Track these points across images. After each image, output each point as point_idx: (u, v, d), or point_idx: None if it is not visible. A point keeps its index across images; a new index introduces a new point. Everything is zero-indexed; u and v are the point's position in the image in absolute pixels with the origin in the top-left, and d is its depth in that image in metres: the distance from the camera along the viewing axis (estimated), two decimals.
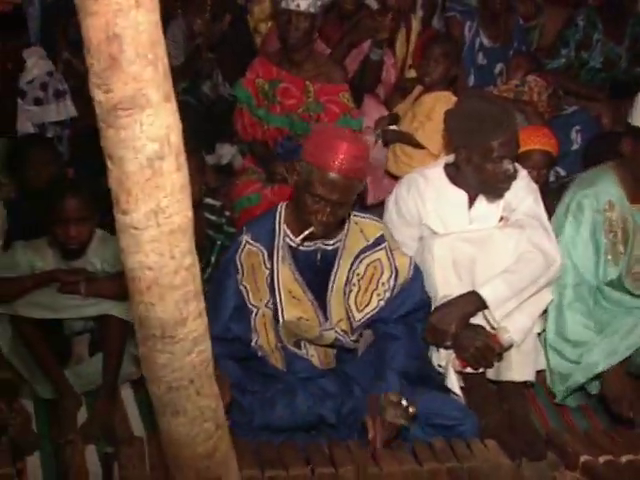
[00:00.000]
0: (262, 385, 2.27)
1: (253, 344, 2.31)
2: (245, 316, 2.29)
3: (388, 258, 2.36)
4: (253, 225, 2.35)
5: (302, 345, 2.37)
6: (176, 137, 0.92)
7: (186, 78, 3.82)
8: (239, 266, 2.28)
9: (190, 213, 0.97)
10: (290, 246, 2.31)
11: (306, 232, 2.18)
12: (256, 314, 2.30)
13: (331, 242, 2.32)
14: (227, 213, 2.99)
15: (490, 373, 2.55)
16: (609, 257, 2.65)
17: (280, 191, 3.08)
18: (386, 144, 3.48)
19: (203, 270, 2.86)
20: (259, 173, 3.25)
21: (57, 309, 2.47)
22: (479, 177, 2.54)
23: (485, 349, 2.37)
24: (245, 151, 3.52)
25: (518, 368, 2.56)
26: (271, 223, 2.32)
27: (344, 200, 2.16)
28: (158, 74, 0.88)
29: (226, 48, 3.76)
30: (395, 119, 3.56)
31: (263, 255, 2.29)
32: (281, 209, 2.35)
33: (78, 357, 2.64)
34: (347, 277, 2.34)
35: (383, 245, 2.37)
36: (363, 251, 2.35)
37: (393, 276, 2.36)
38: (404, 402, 2.15)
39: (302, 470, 2.03)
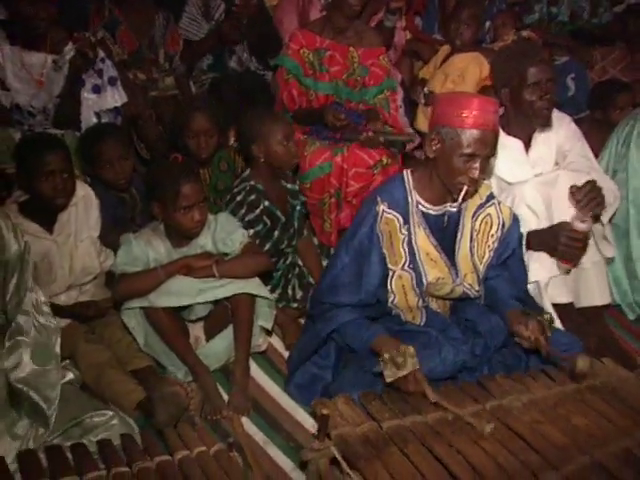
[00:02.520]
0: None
1: (389, 304, 2.36)
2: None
3: (497, 212, 2.43)
4: (386, 195, 2.33)
5: (428, 300, 2.48)
6: None
7: (206, 53, 3.78)
8: (379, 234, 2.30)
9: None
10: (422, 212, 2.34)
11: (462, 193, 2.21)
12: (392, 276, 2.33)
13: (455, 204, 2.36)
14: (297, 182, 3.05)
15: (576, 302, 2.80)
16: None
17: (349, 156, 3.13)
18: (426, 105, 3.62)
19: (292, 235, 2.92)
20: (321, 141, 3.25)
21: (193, 294, 2.42)
22: (524, 110, 2.71)
23: (570, 240, 2.51)
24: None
25: (598, 293, 2.80)
26: (402, 191, 2.33)
27: (492, 152, 2.21)
28: None
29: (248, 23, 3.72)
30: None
31: (399, 221, 2.30)
32: (408, 177, 2.35)
33: (196, 341, 2.62)
34: (470, 234, 2.40)
35: (493, 201, 2.44)
36: (478, 208, 2.42)
37: (500, 227, 2.44)
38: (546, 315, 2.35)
39: (474, 407, 2.20)
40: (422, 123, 3.63)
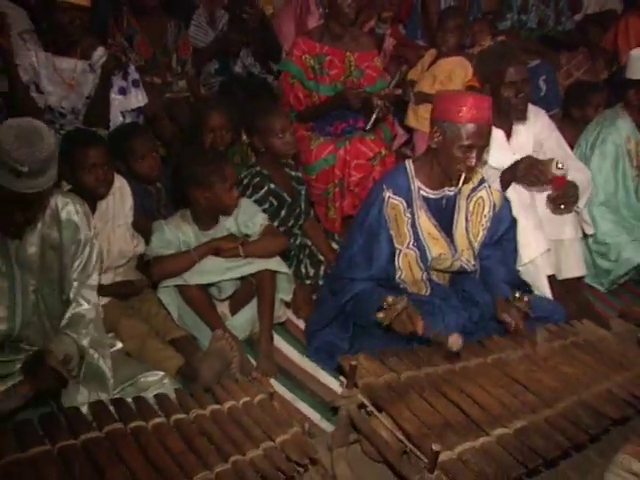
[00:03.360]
0: None
1: (397, 279, 2.65)
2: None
3: (488, 195, 2.74)
4: (390, 182, 2.61)
5: (431, 274, 2.77)
6: None
7: (212, 59, 4.05)
8: (386, 218, 2.58)
9: None
10: (423, 196, 2.63)
11: (461, 179, 2.51)
12: (399, 254, 2.62)
13: (452, 189, 2.67)
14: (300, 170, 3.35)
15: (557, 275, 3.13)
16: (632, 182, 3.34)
17: (351, 149, 3.44)
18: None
19: (299, 215, 3.21)
20: (324, 136, 3.54)
21: (221, 272, 2.70)
22: (503, 105, 3.02)
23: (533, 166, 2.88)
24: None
25: (576, 266, 3.17)
26: (405, 179, 2.61)
27: (486, 143, 2.51)
28: None
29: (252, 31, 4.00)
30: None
31: (403, 206, 2.59)
32: (410, 166, 2.64)
33: (223, 317, 2.85)
34: (465, 215, 2.70)
35: (484, 184, 2.74)
36: (472, 192, 2.71)
37: (492, 208, 2.74)
38: (525, 298, 2.67)
39: (477, 360, 2.51)
40: (412, 120, 3.95)
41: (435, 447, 1.86)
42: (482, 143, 2.50)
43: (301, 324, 3.00)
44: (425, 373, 2.35)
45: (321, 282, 3.13)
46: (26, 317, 2.24)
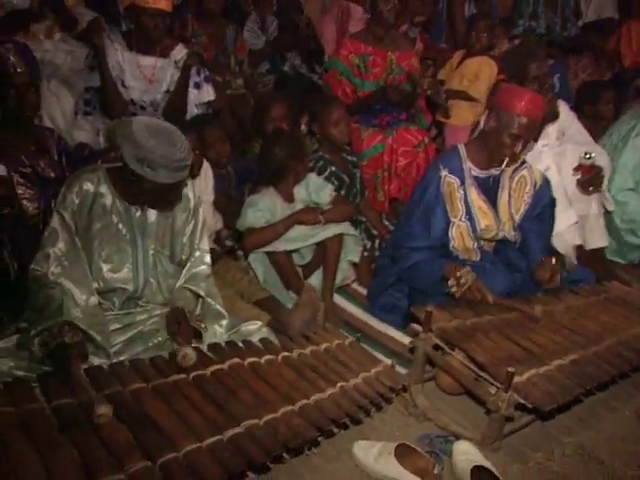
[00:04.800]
0: None
1: (451, 247, 2.96)
2: None
3: (529, 174, 3.07)
4: (446, 163, 2.94)
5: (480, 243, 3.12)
6: None
7: (264, 60, 4.43)
8: (442, 194, 2.91)
9: None
10: (473, 175, 2.96)
11: (504, 163, 2.86)
12: (452, 226, 2.94)
13: (497, 169, 2.97)
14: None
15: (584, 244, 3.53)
16: None
17: (398, 138, 3.81)
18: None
19: (355, 195, 3.55)
20: (371, 127, 3.89)
21: (304, 239, 3.03)
22: None
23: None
24: None
25: (601, 238, 3.56)
26: (458, 160, 2.94)
27: (534, 137, 2.89)
28: None
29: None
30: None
31: (457, 183, 2.92)
32: (462, 149, 2.97)
33: None
34: (508, 192, 3.03)
35: (526, 165, 3.07)
36: (514, 171, 3.04)
37: (532, 186, 3.06)
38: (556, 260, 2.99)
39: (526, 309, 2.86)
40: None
41: (510, 369, 2.22)
42: (529, 136, 2.84)
43: (362, 290, 3.34)
44: (487, 320, 2.71)
45: (376, 253, 3.48)
46: (146, 278, 2.55)
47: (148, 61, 3.48)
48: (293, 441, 2.03)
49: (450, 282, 2.74)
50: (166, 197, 2.45)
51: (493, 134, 2.86)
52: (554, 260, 2.95)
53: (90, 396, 2.00)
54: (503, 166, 2.92)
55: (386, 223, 3.72)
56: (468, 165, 2.98)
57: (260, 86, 4.36)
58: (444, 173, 2.94)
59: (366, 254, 3.47)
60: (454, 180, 2.95)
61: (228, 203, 3.25)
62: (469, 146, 3.02)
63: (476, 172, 2.99)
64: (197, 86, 3.57)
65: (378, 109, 3.91)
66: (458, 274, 2.75)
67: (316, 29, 4.59)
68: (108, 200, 2.46)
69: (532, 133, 2.85)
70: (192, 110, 3.57)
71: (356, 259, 3.25)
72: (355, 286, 3.39)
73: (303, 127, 3.64)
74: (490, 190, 3.04)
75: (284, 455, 2.07)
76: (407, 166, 3.83)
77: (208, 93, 3.64)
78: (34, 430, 1.88)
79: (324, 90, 4.15)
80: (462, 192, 2.95)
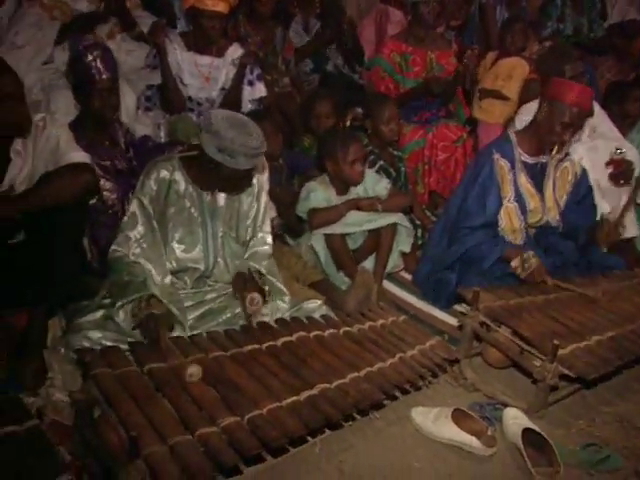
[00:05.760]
0: None
1: (499, 228, 3.15)
2: None
3: (571, 165, 3.28)
4: (498, 148, 3.15)
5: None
6: None
7: (306, 58, 4.66)
8: (496, 175, 3.11)
9: None
10: (523, 161, 3.16)
11: (554, 150, 3.09)
12: (502, 208, 3.14)
13: (545, 157, 3.19)
14: None
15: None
16: None
17: (438, 134, 4.02)
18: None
19: (400, 188, 3.72)
20: (412, 123, 4.11)
21: (361, 224, 3.22)
22: None
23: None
24: None
25: (632, 227, 3.73)
26: (510, 146, 3.15)
27: (581, 126, 3.07)
28: None
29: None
30: None
31: (507, 167, 3.12)
32: (512, 137, 3.17)
33: None
34: (553, 180, 3.24)
35: (569, 157, 3.30)
36: (559, 162, 3.26)
37: (574, 176, 3.29)
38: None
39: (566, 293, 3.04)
40: (477, 112, 4.51)
41: (555, 342, 2.42)
42: (578, 125, 3.06)
43: (408, 277, 3.54)
44: (529, 300, 2.91)
45: (420, 242, 3.67)
46: (215, 258, 2.76)
47: (205, 60, 3.68)
48: (362, 402, 2.24)
49: (514, 263, 2.98)
50: (239, 182, 2.67)
51: (545, 122, 3.07)
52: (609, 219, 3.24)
53: (179, 360, 2.22)
54: (553, 152, 3.14)
55: (428, 214, 3.91)
56: (518, 151, 3.19)
57: (305, 84, 4.58)
58: (497, 156, 3.15)
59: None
60: (505, 164, 3.15)
61: (281, 193, 3.45)
62: (520, 134, 3.22)
63: (525, 158, 3.20)
64: (250, 83, 3.78)
65: (418, 106, 4.11)
66: (525, 256, 2.99)
67: (357, 30, 4.80)
68: (182, 186, 2.68)
69: (581, 122, 3.07)
70: (246, 106, 3.76)
71: (407, 249, 3.43)
72: (402, 273, 3.58)
73: (348, 123, 3.84)
74: (537, 176, 3.25)
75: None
76: (446, 160, 4.04)
77: (260, 90, 3.84)
78: (132, 389, 2.08)
79: (366, 88, 4.35)
80: (512, 175, 3.16)
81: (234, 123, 2.47)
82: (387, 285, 3.45)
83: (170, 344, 2.33)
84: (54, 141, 2.68)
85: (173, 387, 2.12)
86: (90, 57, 2.92)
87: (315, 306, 2.85)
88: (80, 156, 2.68)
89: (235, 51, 3.72)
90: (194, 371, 2.16)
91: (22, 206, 2.51)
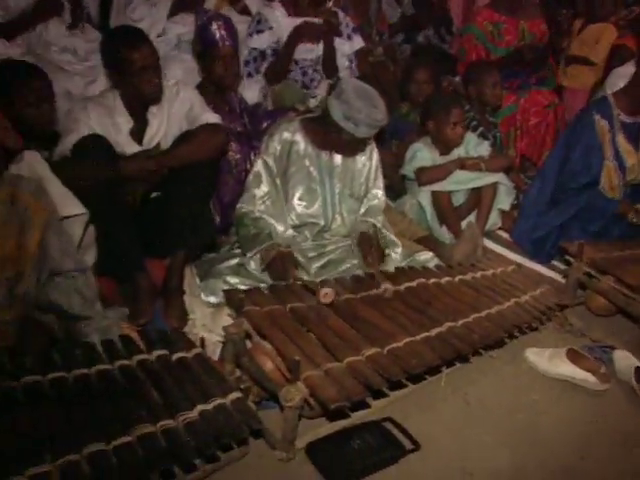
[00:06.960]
0: None
1: (599, 187, 3.28)
2: None
3: None
4: (597, 109, 3.27)
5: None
6: None
7: (400, 31, 4.81)
8: (598, 135, 3.23)
9: None
10: (621, 120, 3.27)
11: None
12: (602, 164, 3.26)
13: None
14: None
15: None
16: None
17: (530, 99, 4.13)
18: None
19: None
20: (505, 89, 4.15)
21: (467, 182, 3.38)
22: None
23: None
24: None
25: None
26: (608, 107, 3.26)
27: None
28: None
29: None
30: None
31: (607, 126, 3.24)
32: (610, 98, 3.28)
33: None
34: None
35: None
36: None
37: None
38: None
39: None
40: (563, 79, 4.61)
41: None
42: None
43: (505, 235, 3.67)
44: (629, 253, 3.03)
45: (514, 202, 3.79)
46: (333, 213, 2.96)
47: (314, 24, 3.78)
48: (487, 339, 2.42)
49: (630, 215, 3.16)
50: (357, 146, 2.85)
51: None
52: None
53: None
54: None
55: (521, 176, 4.03)
56: (617, 111, 3.28)
57: (398, 54, 4.73)
58: (597, 117, 3.26)
59: None
60: (605, 123, 3.26)
61: (383, 155, 3.60)
62: (617, 94, 3.32)
63: (623, 117, 3.29)
64: (349, 37, 3.91)
65: (510, 73, 4.20)
66: (637, 206, 3.18)
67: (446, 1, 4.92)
68: (301, 147, 2.87)
69: None
70: (342, 63, 3.89)
71: (506, 207, 3.57)
72: (499, 232, 3.71)
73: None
74: (635, 136, 3.34)
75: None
76: (537, 125, 4.14)
77: (359, 42, 3.97)
78: (280, 324, 2.28)
79: (457, 57, 4.47)
80: (611, 135, 3.27)
81: (362, 94, 2.65)
82: (486, 242, 3.57)
83: (298, 276, 2.55)
84: (188, 104, 2.91)
85: (315, 324, 2.31)
86: (215, 26, 3.12)
87: (428, 257, 3.02)
88: (214, 117, 2.91)
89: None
90: (328, 291, 2.36)
91: (167, 162, 2.75)
